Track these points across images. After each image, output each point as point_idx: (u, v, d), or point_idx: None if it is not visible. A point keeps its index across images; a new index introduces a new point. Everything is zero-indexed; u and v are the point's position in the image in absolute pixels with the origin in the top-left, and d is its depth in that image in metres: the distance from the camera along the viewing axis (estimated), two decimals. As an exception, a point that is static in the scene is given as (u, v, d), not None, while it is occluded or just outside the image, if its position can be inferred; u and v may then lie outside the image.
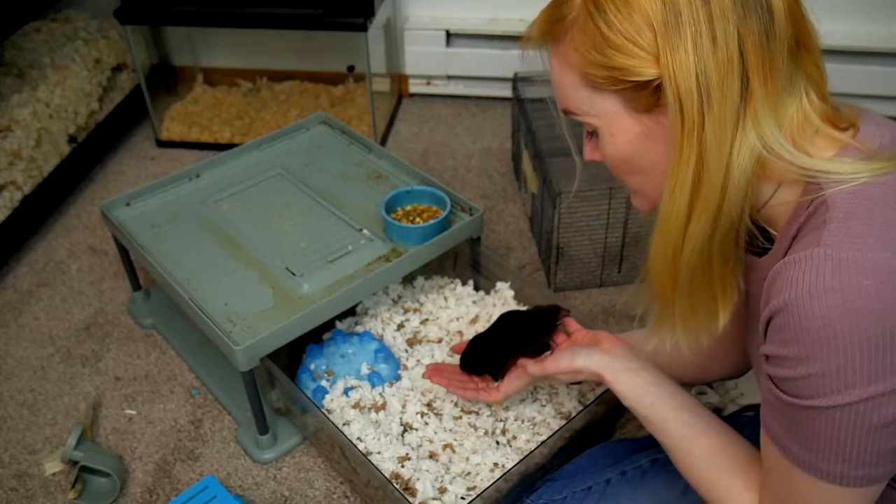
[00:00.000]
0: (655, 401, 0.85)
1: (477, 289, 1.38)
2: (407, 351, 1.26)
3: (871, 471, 0.62)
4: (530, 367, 0.96)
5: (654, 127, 0.68)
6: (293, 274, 1.19)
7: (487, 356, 1.04)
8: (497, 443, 1.11)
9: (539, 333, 1.04)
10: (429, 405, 1.16)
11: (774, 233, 0.71)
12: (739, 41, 0.61)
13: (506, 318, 1.07)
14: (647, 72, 0.64)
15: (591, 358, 0.90)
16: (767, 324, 0.63)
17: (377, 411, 1.15)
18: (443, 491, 1.04)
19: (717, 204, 0.65)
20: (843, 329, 0.57)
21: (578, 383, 1.18)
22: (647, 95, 0.65)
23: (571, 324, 1.04)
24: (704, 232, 0.66)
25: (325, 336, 1.28)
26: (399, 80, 2.17)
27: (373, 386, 1.18)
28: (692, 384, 1.09)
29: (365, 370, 1.20)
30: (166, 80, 2.23)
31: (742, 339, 0.89)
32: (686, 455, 0.82)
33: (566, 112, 0.74)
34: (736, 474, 0.78)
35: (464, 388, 1.06)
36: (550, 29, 0.71)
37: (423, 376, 1.10)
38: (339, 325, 1.30)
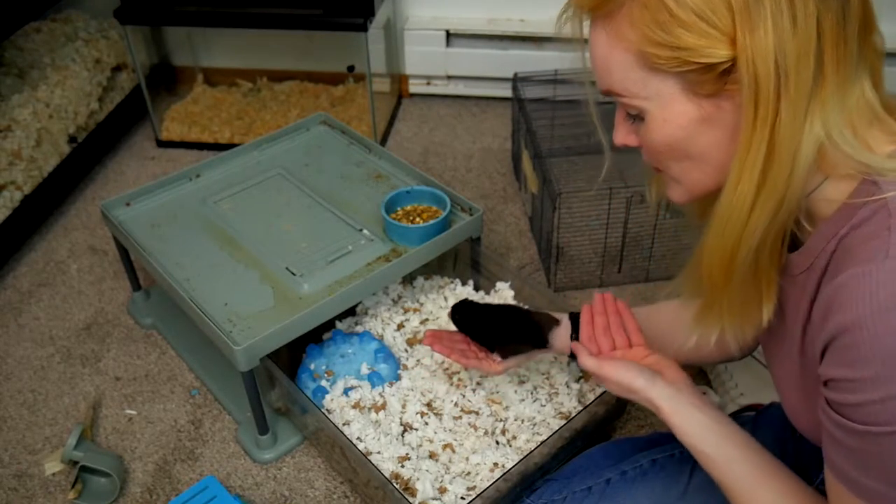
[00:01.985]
0: (721, 440, 0.78)
1: (477, 289, 1.38)
2: (407, 351, 1.26)
3: None
4: (585, 359, 0.88)
5: (714, 112, 0.63)
6: (293, 274, 1.19)
7: (474, 321, 1.05)
8: (497, 443, 1.11)
9: (527, 337, 1.03)
10: (429, 405, 1.16)
11: (809, 228, 0.68)
12: (818, 21, 0.57)
13: (513, 308, 1.07)
14: (719, 53, 0.59)
15: (655, 386, 0.83)
16: (830, 342, 0.59)
17: (377, 411, 1.15)
18: (443, 491, 1.04)
19: (782, 194, 0.61)
20: None
21: (578, 380, 1.18)
22: (712, 79, 0.61)
23: (635, 334, 0.97)
24: (765, 224, 0.63)
25: (325, 336, 1.28)
26: (399, 80, 2.17)
27: (373, 386, 1.18)
28: (689, 364, 1.07)
29: (365, 370, 1.20)
30: (166, 80, 2.23)
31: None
32: (751, 498, 0.75)
33: (609, 93, 0.69)
34: None
35: (465, 357, 1.04)
36: (602, 1, 0.64)
37: (423, 342, 1.09)
38: (339, 325, 1.30)
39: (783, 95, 0.58)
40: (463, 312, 1.06)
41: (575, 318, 1.04)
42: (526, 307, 1.05)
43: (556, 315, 1.06)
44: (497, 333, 1.04)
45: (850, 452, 0.60)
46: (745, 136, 0.61)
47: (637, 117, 0.69)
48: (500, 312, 1.06)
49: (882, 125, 0.63)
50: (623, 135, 0.72)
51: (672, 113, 0.65)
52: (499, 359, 1.04)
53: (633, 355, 0.94)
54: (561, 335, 1.04)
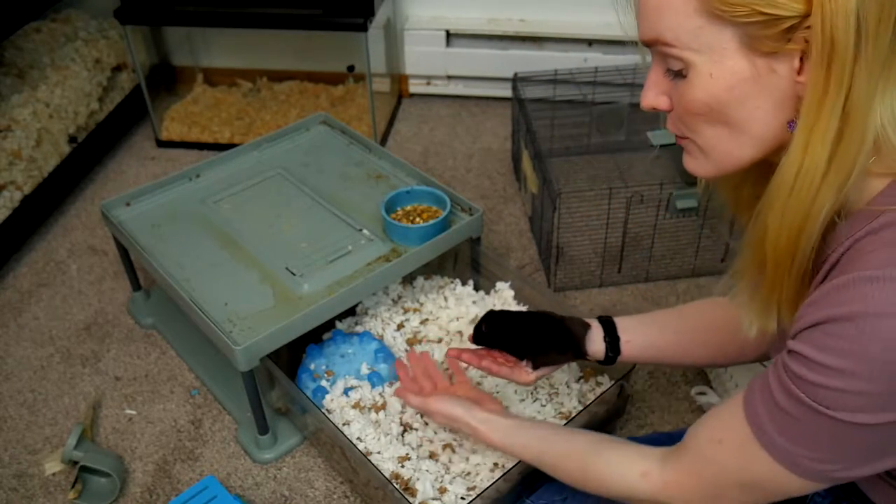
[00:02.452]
0: (529, 428, 0.92)
1: (477, 289, 1.38)
2: (407, 351, 1.26)
3: (851, 473, 0.62)
4: (411, 399, 1.04)
5: (767, 75, 0.60)
6: (293, 274, 1.19)
7: (506, 331, 1.02)
8: (497, 443, 1.11)
9: (564, 346, 1.01)
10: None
11: (836, 221, 0.65)
12: None
13: (542, 315, 1.05)
14: (793, 6, 0.55)
15: (471, 413, 0.97)
16: (814, 325, 0.59)
17: (377, 411, 1.15)
18: (443, 491, 1.04)
19: (851, 167, 0.58)
20: None
21: (578, 380, 1.18)
22: (775, 35, 0.57)
23: (439, 379, 1.11)
24: (832, 200, 0.59)
25: (325, 336, 1.28)
26: (399, 80, 2.17)
27: (373, 386, 1.18)
28: (692, 367, 1.08)
29: (365, 370, 1.20)
30: (166, 80, 2.23)
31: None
32: (572, 456, 0.85)
33: (654, 42, 0.64)
34: (624, 448, 0.81)
35: (495, 365, 1.03)
36: None
37: (447, 362, 1.11)
38: (339, 325, 1.30)
39: (861, 59, 0.55)
40: (493, 322, 1.03)
41: (605, 322, 1.03)
42: (559, 315, 1.04)
43: (587, 320, 1.04)
44: (532, 343, 1.01)
45: (776, 408, 0.62)
46: (815, 99, 0.57)
47: (679, 74, 0.64)
48: (532, 320, 1.03)
49: None
50: (654, 95, 0.68)
51: (722, 69, 0.61)
52: (530, 369, 1.02)
53: (459, 389, 1.08)
54: (594, 339, 1.02)
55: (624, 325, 1.02)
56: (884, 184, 0.61)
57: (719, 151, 0.66)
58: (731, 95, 0.62)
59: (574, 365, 1.23)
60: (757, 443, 0.65)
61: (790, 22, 0.56)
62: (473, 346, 1.06)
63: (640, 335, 1.01)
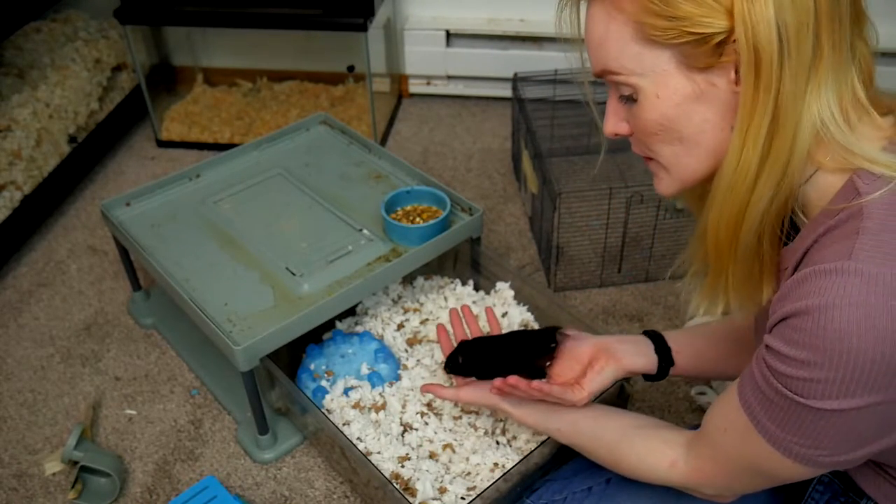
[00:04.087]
0: (560, 413, 0.94)
1: (477, 289, 1.38)
2: (407, 351, 1.26)
3: (839, 458, 0.65)
4: (442, 392, 1.02)
5: (708, 89, 0.65)
6: (293, 274, 1.19)
7: (480, 358, 1.02)
8: (497, 443, 1.11)
9: (536, 355, 1.00)
10: (429, 405, 1.16)
11: (804, 220, 0.70)
12: None
13: (505, 335, 1.05)
14: (716, 23, 0.60)
15: (503, 399, 0.97)
16: (782, 319, 0.63)
17: (377, 411, 1.15)
18: (443, 491, 1.04)
19: (784, 164, 0.63)
20: (861, 346, 0.58)
21: None
22: (707, 52, 0.62)
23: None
24: (770, 194, 0.64)
25: (325, 336, 1.28)
26: (399, 80, 2.17)
27: (373, 386, 1.18)
28: (720, 378, 1.09)
29: (365, 370, 1.20)
30: (166, 80, 2.23)
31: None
32: (602, 439, 0.89)
33: (603, 73, 0.69)
34: (652, 436, 0.84)
35: (542, 390, 0.93)
36: None
37: (500, 394, 0.96)
38: (339, 325, 1.30)
39: (785, 64, 0.59)
40: (468, 352, 1.01)
41: (652, 335, 1.01)
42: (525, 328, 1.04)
43: (631, 339, 1.02)
44: (506, 366, 0.98)
45: (764, 398, 0.66)
46: (746, 103, 0.62)
47: (630, 98, 0.69)
48: (506, 342, 1.03)
49: (872, 121, 0.65)
50: (614, 123, 0.73)
51: (666, 89, 0.66)
52: (583, 389, 0.95)
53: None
54: (642, 352, 0.99)
55: (672, 336, 1.01)
56: (841, 181, 0.65)
57: (679, 167, 0.71)
58: (679, 112, 0.66)
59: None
60: (754, 430, 0.68)
61: (718, 38, 0.61)
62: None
63: (689, 346, 1.00)
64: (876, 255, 0.59)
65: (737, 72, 0.62)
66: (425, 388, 1.04)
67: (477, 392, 1.00)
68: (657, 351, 1.00)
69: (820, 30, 0.60)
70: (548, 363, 1.00)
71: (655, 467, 0.83)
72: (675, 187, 0.73)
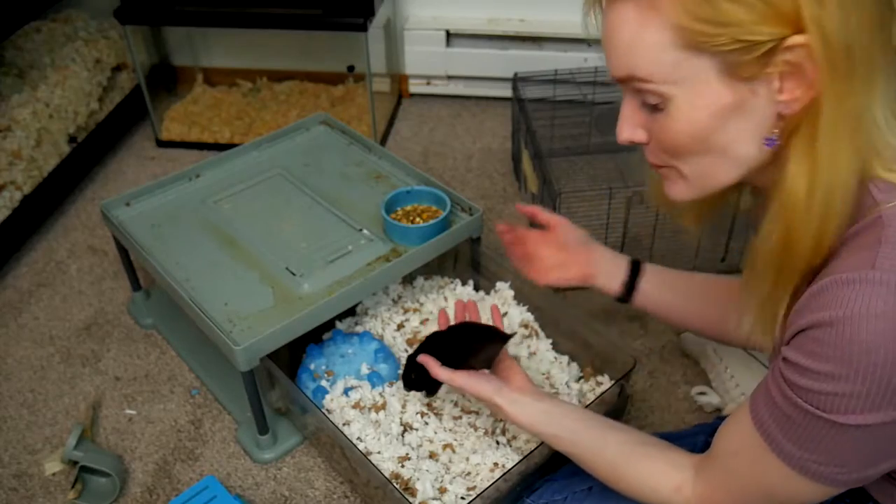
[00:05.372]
0: (562, 417, 0.89)
1: (477, 289, 1.38)
2: (407, 351, 1.26)
3: (857, 475, 0.63)
4: (439, 371, 0.94)
5: (748, 99, 0.61)
6: (293, 274, 1.19)
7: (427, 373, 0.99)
8: (497, 443, 1.11)
9: (483, 347, 1.00)
10: (429, 405, 1.16)
11: None
12: (873, 1, 0.56)
13: (452, 330, 1.03)
14: (768, 30, 0.56)
15: (500, 393, 0.92)
16: (801, 331, 0.61)
17: (377, 411, 1.15)
18: (443, 491, 1.04)
19: (860, 169, 0.60)
20: (887, 358, 0.56)
21: (578, 380, 1.18)
22: (754, 60, 0.58)
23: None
24: (844, 209, 0.61)
25: (325, 336, 1.28)
26: (399, 80, 2.17)
27: (373, 386, 1.18)
28: (696, 333, 1.14)
29: (365, 370, 1.20)
30: (166, 80, 2.23)
31: None
32: (602, 454, 0.85)
33: (628, 79, 0.65)
34: (656, 458, 0.80)
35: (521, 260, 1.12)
36: None
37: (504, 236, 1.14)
38: (339, 325, 1.30)
39: (856, 72, 0.57)
40: (417, 370, 1.00)
41: (634, 265, 1.08)
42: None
43: (615, 260, 1.09)
44: (462, 348, 0.99)
45: (781, 415, 0.64)
46: (829, 114, 0.58)
47: (656, 107, 0.65)
48: (447, 338, 1.02)
49: None
50: (630, 130, 0.69)
51: (704, 98, 0.61)
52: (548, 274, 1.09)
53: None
54: (615, 276, 1.07)
55: (648, 275, 1.06)
56: (856, 188, 0.62)
57: (703, 177, 0.67)
58: (715, 123, 0.62)
59: (574, 364, 1.23)
60: (768, 449, 0.66)
61: (768, 45, 0.57)
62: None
63: (657, 291, 1.06)
64: None
65: (781, 80, 0.59)
66: (421, 359, 0.98)
67: (471, 380, 0.93)
68: (628, 282, 1.06)
69: (874, 34, 0.57)
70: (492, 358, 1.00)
71: (658, 490, 0.79)
72: (696, 194, 0.70)
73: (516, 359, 1.06)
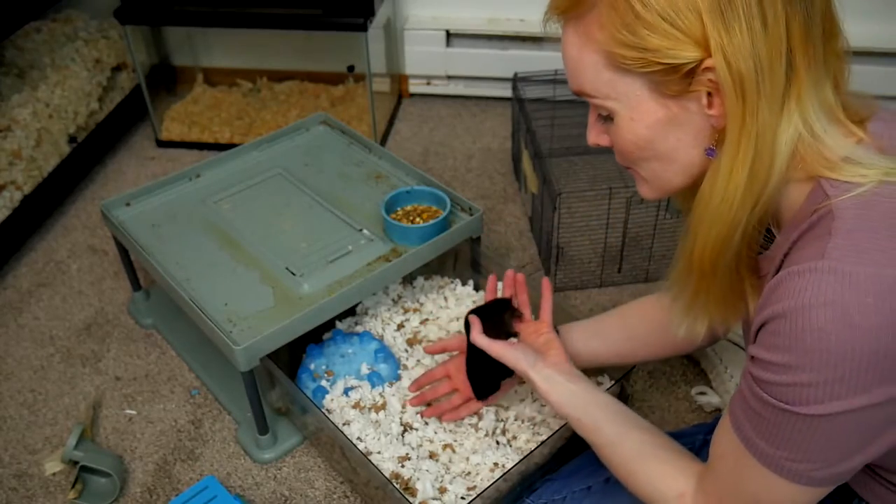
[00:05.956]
0: (588, 404, 0.91)
1: (477, 289, 1.38)
2: (407, 351, 1.26)
3: (830, 471, 0.64)
4: (478, 336, 0.99)
5: (680, 113, 0.67)
6: (293, 274, 1.19)
7: (487, 379, 1.07)
8: (497, 443, 1.11)
9: (501, 322, 1.07)
10: (429, 405, 1.16)
11: (776, 231, 0.71)
12: (787, 23, 0.61)
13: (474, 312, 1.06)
14: (683, 54, 0.62)
15: (534, 368, 0.95)
16: (761, 327, 0.63)
17: (377, 411, 1.15)
18: (443, 491, 1.04)
19: (763, 186, 0.65)
20: (839, 344, 0.57)
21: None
22: (677, 80, 0.64)
23: (546, 312, 1.09)
24: (748, 215, 0.66)
25: (325, 336, 1.28)
26: (399, 80, 2.17)
27: (373, 386, 1.18)
28: (674, 356, 1.17)
29: (365, 370, 1.20)
30: (166, 80, 2.23)
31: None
32: (619, 449, 0.86)
33: (580, 93, 0.72)
34: (668, 462, 0.81)
35: (456, 413, 1.13)
36: (574, 3, 0.67)
37: (411, 403, 1.15)
38: (339, 325, 1.30)
39: (762, 92, 0.62)
40: (478, 383, 1.08)
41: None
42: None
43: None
44: (486, 383, 1.08)
45: (752, 413, 0.66)
46: (734, 132, 0.63)
47: (607, 118, 0.71)
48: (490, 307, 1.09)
49: (844, 125, 0.66)
50: (595, 135, 0.76)
51: (639, 113, 0.68)
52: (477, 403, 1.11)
53: (536, 328, 1.06)
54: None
55: (571, 337, 1.09)
56: (808, 187, 0.66)
57: (657, 180, 0.74)
58: (653, 134, 0.69)
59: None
60: (746, 451, 0.68)
61: (687, 67, 0.63)
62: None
63: (585, 349, 1.09)
64: (849, 253, 0.59)
65: (709, 96, 0.64)
66: (471, 318, 1.02)
67: (509, 351, 0.97)
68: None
69: (794, 55, 0.62)
70: (512, 329, 1.09)
71: (664, 495, 0.80)
72: (656, 195, 0.76)
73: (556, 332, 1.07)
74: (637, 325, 1.08)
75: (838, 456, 0.63)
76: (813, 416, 0.60)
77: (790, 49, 0.61)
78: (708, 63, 0.62)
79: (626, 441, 0.86)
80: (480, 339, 0.99)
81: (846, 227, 0.60)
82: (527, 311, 1.11)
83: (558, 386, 0.93)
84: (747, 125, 0.62)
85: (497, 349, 0.97)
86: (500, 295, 1.16)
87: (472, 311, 1.05)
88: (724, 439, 0.72)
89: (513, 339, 1.03)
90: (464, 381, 1.11)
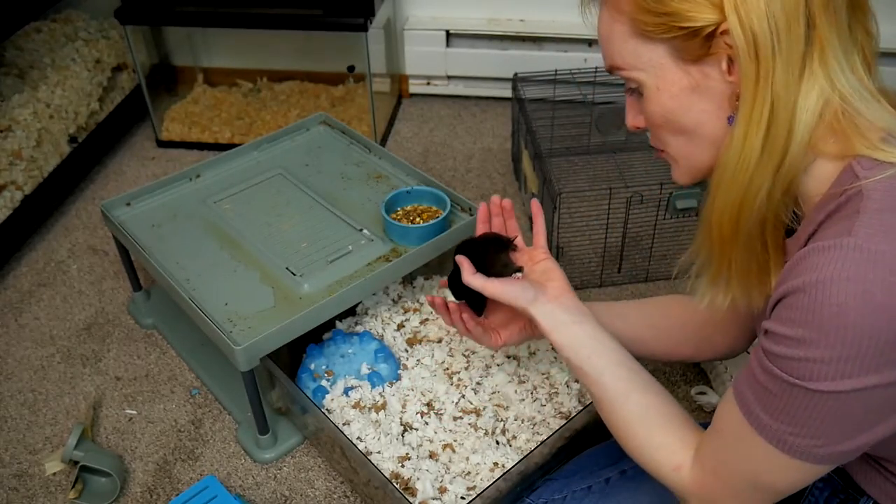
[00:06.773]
0: (592, 353, 0.84)
1: (477, 289, 1.37)
2: (407, 351, 1.26)
3: (832, 449, 0.64)
4: (470, 277, 0.89)
5: (702, 80, 0.67)
6: (293, 274, 1.19)
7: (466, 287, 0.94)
8: (497, 443, 1.11)
9: (498, 254, 0.96)
10: (429, 405, 1.16)
11: (802, 213, 0.70)
12: None
13: (465, 246, 0.98)
14: (702, 17, 0.63)
15: (536, 304, 0.87)
16: (779, 301, 0.63)
17: (377, 411, 1.15)
18: (443, 491, 1.04)
19: (783, 150, 0.64)
20: (857, 321, 0.57)
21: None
22: (697, 44, 0.65)
23: (539, 236, 0.98)
24: (770, 181, 0.66)
25: (325, 336, 1.28)
26: (399, 80, 2.17)
27: (373, 386, 1.18)
28: (685, 361, 1.12)
29: (365, 370, 1.20)
30: (166, 80, 2.23)
31: (749, 318, 0.90)
32: (619, 409, 0.81)
33: (612, 69, 0.73)
34: (670, 431, 0.79)
35: (468, 327, 0.98)
36: None
37: (428, 299, 1.03)
38: (339, 325, 1.30)
39: (777, 53, 0.62)
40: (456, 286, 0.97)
41: None
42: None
43: None
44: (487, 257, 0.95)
45: (759, 388, 0.66)
46: (747, 93, 0.64)
47: (637, 92, 0.72)
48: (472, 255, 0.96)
49: (879, 101, 0.65)
50: (633, 116, 0.76)
51: (664, 81, 0.69)
52: (500, 335, 0.98)
53: (531, 256, 0.96)
54: None
55: (593, 312, 0.97)
56: (839, 168, 0.65)
57: (686, 158, 0.74)
58: (678, 103, 0.70)
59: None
60: (748, 425, 0.67)
61: (707, 30, 0.64)
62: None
63: (609, 326, 0.97)
64: (876, 232, 0.58)
65: (729, 62, 0.65)
66: (458, 259, 0.93)
67: (506, 287, 0.88)
68: None
69: (814, 18, 0.61)
70: (511, 261, 0.96)
71: (661, 464, 0.79)
72: (688, 177, 0.76)
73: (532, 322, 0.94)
74: (659, 317, 1.03)
75: (843, 434, 0.63)
76: (822, 393, 0.60)
77: (809, 11, 0.61)
78: (724, 26, 0.63)
79: (629, 402, 0.81)
80: (475, 280, 0.89)
81: (875, 206, 0.60)
82: (519, 238, 1.00)
83: (561, 326, 0.86)
84: (761, 86, 0.63)
85: (492, 289, 0.88)
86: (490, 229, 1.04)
87: (460, 248, 0.97)
88: (725, 414, 0.71)
89: (518, 275, 0.94)
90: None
